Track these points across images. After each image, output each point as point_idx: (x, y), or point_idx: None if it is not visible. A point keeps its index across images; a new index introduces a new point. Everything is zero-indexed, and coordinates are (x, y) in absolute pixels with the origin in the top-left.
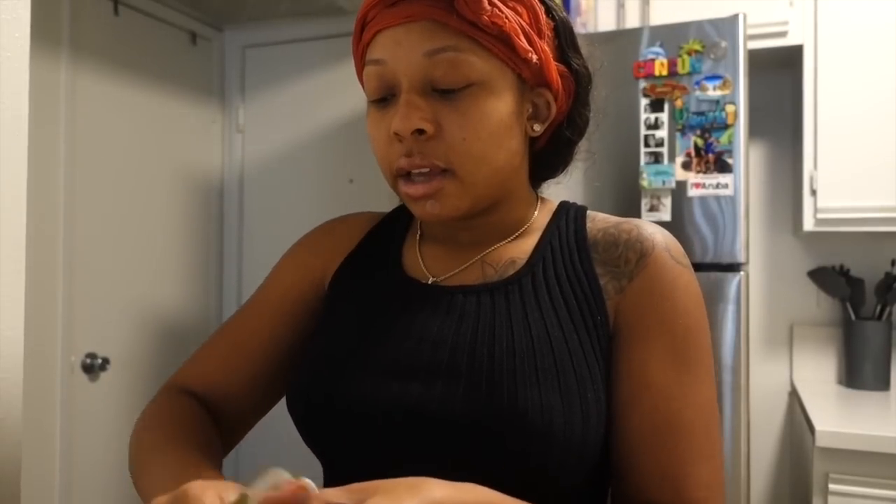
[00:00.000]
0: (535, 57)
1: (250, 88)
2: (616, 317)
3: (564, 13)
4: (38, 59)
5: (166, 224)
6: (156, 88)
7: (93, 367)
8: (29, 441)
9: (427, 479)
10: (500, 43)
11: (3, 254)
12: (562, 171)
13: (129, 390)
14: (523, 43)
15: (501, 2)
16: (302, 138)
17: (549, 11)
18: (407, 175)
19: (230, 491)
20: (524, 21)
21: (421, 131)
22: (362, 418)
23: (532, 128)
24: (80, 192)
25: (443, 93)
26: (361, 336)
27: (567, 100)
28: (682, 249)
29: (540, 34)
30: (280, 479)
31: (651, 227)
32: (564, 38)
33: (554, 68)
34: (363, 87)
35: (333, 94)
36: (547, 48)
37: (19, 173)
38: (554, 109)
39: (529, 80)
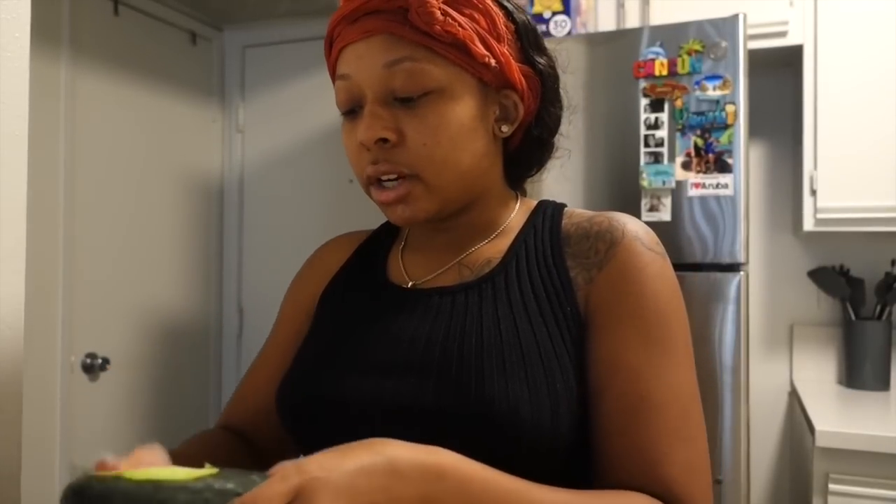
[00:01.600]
0: (493, 61)
1: (250, 88)
2: (586, 306)
3: (526, 16)
4: (38, 59)
5: (166, 224)
6: (156, 88)
7: (93, 367)
8: (29, 441)
9: (385, 439)
10: (455, 50)
11: (3, 254)
12: (537, 170)
13: (129, 390)
14: (479, 48)
15: (456, 11)
16: (302, 138)
17: (509, 15)
18: (377, 182)
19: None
20: (481, 27)
21: (385, 140)
22: (340, 413)
23: (500, 129)
24: (80, 192)
25: (403, 101)
26: (342, 338)
27: (534, 99)
28: (655, 238)
29: (499, 38)
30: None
31: (623, 218)
32: (527, 40)
33: (516, 70)
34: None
35: (333, 94)
36: (507, 51)
37: (19, 173)
38: (522, 110)
39: (492, 83)
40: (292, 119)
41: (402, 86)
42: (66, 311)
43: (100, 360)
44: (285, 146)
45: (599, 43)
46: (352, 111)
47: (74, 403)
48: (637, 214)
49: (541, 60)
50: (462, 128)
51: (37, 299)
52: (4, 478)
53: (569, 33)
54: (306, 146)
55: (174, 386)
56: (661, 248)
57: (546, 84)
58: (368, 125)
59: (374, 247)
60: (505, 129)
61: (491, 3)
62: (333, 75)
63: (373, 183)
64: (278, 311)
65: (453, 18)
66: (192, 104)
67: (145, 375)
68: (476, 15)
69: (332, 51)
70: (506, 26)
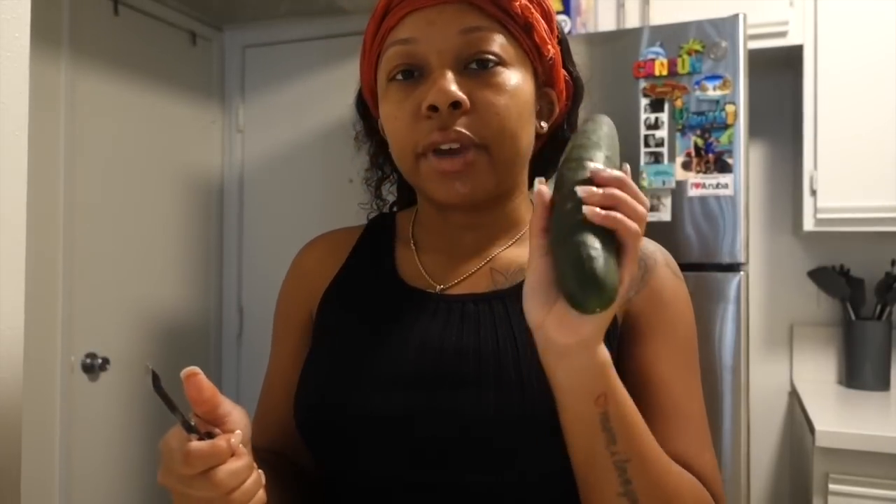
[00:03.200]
0: (551, 51)
1: (250, 88)
2: (623, 322)
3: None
4: (38, 59)
5: (166, 224)
6: (156, 88)
7: (93, 367)
8: (29, 441)
9: None
10: (524, 34)
11: (3, 254)
12: (552, 175)
13: (129, 390)
14: (544, 36)
15: None
16: (302, 138)
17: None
18: (436, 151)
19: None
20: (543, 20)
21: (457, 104)
22: (385, 428)
23: (539, 124)
24: (80, 192)
25: (474, 71)
26: (370, 348)
27: (567, 103)
28: (675, 263)
29: (553, 36)
30: None
31: (651, 245)
32: (565, 47)
33: (562, 69)
34: (372, 75)
35: (333, 94)
36: (557, 49)
37: (19, 173)
38: (557, 110)
39: (541, 77)
40: (292, 119)
41: (476, 53)
42: (66, 311)
43: (100, 360)
44: (285, 146)
45: (599, 43)
46: (407, 78)
47: (74, 403)
48: None
49: (574, 70)
50: (527, 106)
51: (37, 299)
52: (4, 478)
53: (569, 33)
54: (306, 146)
55: (174, 386)
56: (680, 273)
57: (577, 92)
58: (442, 87)
59: (372, 247)
60: (543, 125)
61: (550, 4)
62: (377, 46)
63: (429, 152)
64: (272, 333)
65: (528, 2)
66: (192, 104)
67: (145, 375)
68: (540, 9)
69: (388, 19)
70: (555, 30)
